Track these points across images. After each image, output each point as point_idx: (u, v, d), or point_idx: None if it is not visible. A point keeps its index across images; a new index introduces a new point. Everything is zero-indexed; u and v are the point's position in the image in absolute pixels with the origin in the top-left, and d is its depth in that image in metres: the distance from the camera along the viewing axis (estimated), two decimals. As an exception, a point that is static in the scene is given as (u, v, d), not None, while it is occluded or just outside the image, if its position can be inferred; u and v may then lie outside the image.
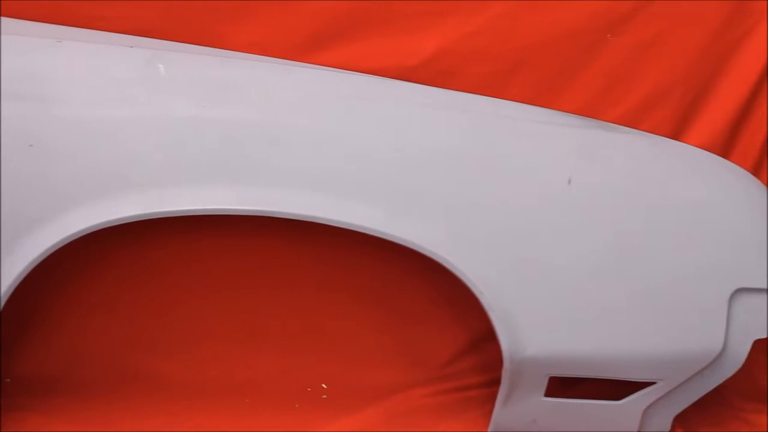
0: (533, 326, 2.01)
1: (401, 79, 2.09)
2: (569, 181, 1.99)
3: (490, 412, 2.16)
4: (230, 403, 2.23)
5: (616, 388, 2.13)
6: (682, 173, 2.09)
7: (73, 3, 2.03)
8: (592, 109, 2.16)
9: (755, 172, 2.24)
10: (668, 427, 2.23)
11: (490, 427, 2.19)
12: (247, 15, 2.07)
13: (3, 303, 1.85)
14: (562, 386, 2.17)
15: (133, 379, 2.26)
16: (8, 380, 2.22)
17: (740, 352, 2.08)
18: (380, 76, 2.09)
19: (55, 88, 1.87)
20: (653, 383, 2.10)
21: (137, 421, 2.13)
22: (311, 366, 2.34)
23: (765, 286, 2.04)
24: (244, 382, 2.29)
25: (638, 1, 2.11)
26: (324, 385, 2.33)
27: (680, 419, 2.24)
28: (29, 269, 1.85)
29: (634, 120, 2.18)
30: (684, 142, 2.20)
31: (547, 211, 1.99)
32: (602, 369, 2.07)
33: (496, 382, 2.12)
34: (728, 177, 2.14)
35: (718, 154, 2.20)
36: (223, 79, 1.96)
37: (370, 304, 2.33)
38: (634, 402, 2.13)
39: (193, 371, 2.29)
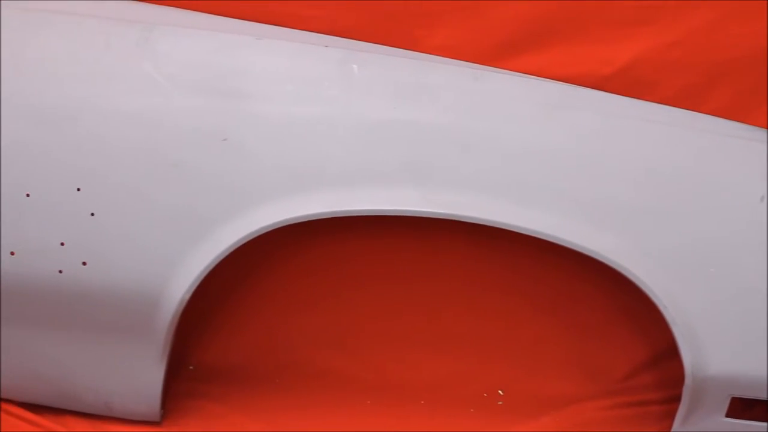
0: (718, 344, 1.97)
1: (594, 88, 2.07)
2: (762, 199, 1.95)
3: (668, 429, 2.12)
4: (407, 404, 2.24)
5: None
6: None
7: (273, 2, 2.07)
8: (788, 125, 2.12)
9: None
10: None
11: (668, 446, 2.17)
12: (441, 18, 2.07)
13: (191, 292, 1.89)
14: (743, 407, 2.11)
15: (315, 376, 2.28)
16: (192, 367, 2.27)
17: None
18: (572, 84, 2.07)
19: (252, 84, 1.91)
20: (841, 410, 2.05)
21: (313, 418, 2.14)
22: (489, 372, 2.33)
23: None
24: (422, 384, 2.29)
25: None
26: (500, 392, 2.32)
27: None
28: (218, 260, 1.88)
29: (832, 139, 2.11)
30: None
31: (737, 228, 1.96)
32: (788, 392, 2.02)
33: (675, 400, 2.08)
34: None
35: None
36: (416, 81, 1.97)
37: (550, 313, 2.31)
38: (820, 428, 2.08)
39: (374, 370, 2.30)
